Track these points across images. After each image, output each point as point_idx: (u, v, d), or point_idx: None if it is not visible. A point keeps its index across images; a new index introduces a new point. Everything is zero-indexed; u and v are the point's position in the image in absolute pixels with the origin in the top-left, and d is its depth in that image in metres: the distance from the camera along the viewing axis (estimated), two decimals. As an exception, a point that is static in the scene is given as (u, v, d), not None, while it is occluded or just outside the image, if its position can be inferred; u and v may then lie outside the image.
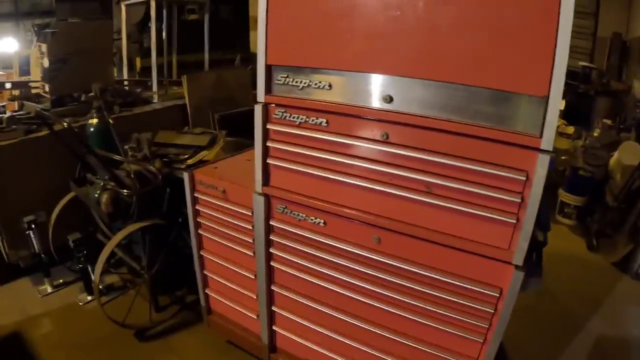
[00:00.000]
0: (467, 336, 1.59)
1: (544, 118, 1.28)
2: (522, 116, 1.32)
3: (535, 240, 2.38)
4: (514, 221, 1.40)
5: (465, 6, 1.29)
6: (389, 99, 1.48)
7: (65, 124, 2.31)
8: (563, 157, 4.41)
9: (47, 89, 3.19)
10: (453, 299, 1.56)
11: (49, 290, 3.04)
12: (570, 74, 6.64)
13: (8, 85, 3.62)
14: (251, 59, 4.22)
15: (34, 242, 2.91)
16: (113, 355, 2.54)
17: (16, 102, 3.33)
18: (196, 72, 3.71)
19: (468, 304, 1.55)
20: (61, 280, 3.11)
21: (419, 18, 1.36)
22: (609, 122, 5.46)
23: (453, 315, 1.58)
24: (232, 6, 5.76)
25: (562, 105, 6.14)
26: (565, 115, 6.02)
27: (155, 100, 3.60)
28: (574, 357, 2.66)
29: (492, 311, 1.52)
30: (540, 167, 1.33)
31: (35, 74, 4.38)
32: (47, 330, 2.75)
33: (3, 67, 5.18)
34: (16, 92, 3.99)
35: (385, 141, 1.51)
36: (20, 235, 2.93)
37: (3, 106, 3.43)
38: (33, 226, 2.86)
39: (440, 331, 1.63)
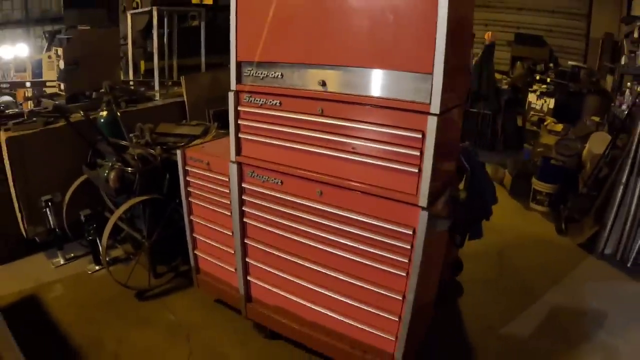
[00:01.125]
0: (394, 271, 2.14)
1: (432, 89, 1.85)
2: (416, 89, 1.89)
3: (485, 212, 2.97)
4: (417, 171, 1.96)
5: (370, 14, 1.90)
6: (323, 83, 2.09)
7: (82, 113, 2.97)
8: (539, 150, 4.93)
9: (62, 87, 3.90)
10: (379, 239, 2.12)
11: (62, 262, 3.70)
12: (560, 74, 7.18)
13: (28, 84, 4.36)
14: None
15: (50, 218, 3.57)
16: (117, 312, 3.15)
17: (33, 99, 4.05)
18: (193, 73, 4.40)
19: (391, 242, 2.10)
20: (72, 254, 3.77)
21: (340, 22, 1.97)
22: (597, 119, 5.93)
23: (381, 253, 2.14)
24: (229, 13, 6.43)
25: (551, 103, 6.72)
26: (555, 113, 6.54)
27: (157, 98, 4.30)
28: (525, 323, 3.14)
29: (409, 247, 2.07)
30: (431, 127, 1.88)
31: (48, 76, 5.14)
32: (59, 293, 3.39)
33: (16, 70, 5.97)
34: (29, 93, 4.75)
35: (321, 114, 2.12)
36: (37, 213, 3.60)
37: (20, 104, 4.16)
38: (50, 204, 3.53)
39: (374, 269, 2.18)
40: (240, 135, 2.41)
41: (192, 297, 3.26)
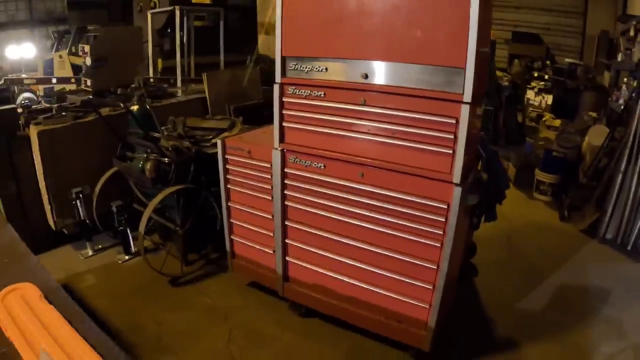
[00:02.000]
0: (429, 242, 2.51)
1: (464, 81, 2.24)
2: (450, 81, 2.28)
3: (499, 196, 3.37)
4: (451, 152, 2.35)
5: (409, 14, 2.28)
6: (366, 76, 2.46)
7: (122, 105, 3.29)
8: (541, 143, 5.39)
9: (88, 83, 4.19)
10: (416, 214, 2.50)
11: (90, 253, 3.99)
12: (557, 71, 7.72)
13: (54, 80, 4.64)
14: (260, 59, 5.29)
15: (80, 210, 3.86)
16: (153, 298, 3.46)
17: (55, 96, 4.33)
18: (214, 71, 4.75)
19: (426, 216, 2.48)
20: (100, 246, 4.06)
21: (382, 22, 2.35)
22: (593, 114, 6.44)
23: (417, 227, 2.52)
24: (238, 14, 6.88)
25: (549, 100, 7.22)
26: (553, 109, 7.05)
27: (180, 93, 4.63)
28: (536, 299, 3.57)
29: (444, 220, 2.45)
30: (464, 113, 2.27)
31: (60, 75, 5.42)
32: (91, 283, 3.67)
33: (25, 70, 6.23)
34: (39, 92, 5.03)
35: (364, 104, 2.49)
36: (66, 205, 3.88)
37: (39, 101, 4.42)
38: (80, 196, 3.82)
39: (411, 241, 2.56)
40: (284, 124, 2.77)
41: (225, 282, 3.60)
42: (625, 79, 5.56)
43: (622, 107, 4.98)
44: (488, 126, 6.28)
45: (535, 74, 7.61)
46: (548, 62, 8.35)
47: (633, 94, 4.71)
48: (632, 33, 5.45)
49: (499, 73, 7.41)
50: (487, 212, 3.40)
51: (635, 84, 4.94)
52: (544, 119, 6.73)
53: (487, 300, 3.51)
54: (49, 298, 1.82)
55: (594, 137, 4.94)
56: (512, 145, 6.10)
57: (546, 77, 7.46)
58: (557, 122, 6.44)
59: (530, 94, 7.37)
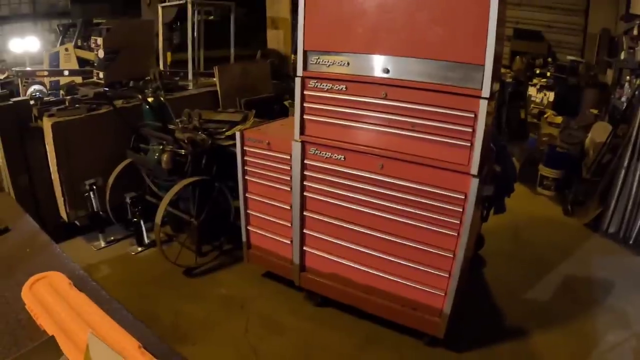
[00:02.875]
0: (446, 231, 2.66)
1: (483, 77, 2.38)
2: (469, 77, 2.42)
3: (508, 188, 3.52)
4: (469, 145, 2.49)
5: (430, 10, 2.42)
6: (387, 71, 2.60)
7: (140, 96, 3.39)
8: (544, 139, 5.57)
9: (101, 76, 4.29)
10: (434, 204, 2.65)
11: (103, 244, 4.09)
12: (559, 68, 7.92)
13: (66, 73, 4.73)
14: (269, 54, 5.41)
15: (94, 202, 3.96)
16: (168, 288, 3.57)
17: (64, 88, 4.41)
18: (225, 64, 4.87)
19: (445, 206, 2.62)
20: (112, 237, 4.17)
21: (404, 18, 2.48)
22: (595, 111, 6.64)
23: (435, 216, 2.66)
24: (246, 9, 6.99)
25: (551, 97, 7.40)
26: (554, 106, 7.24)
27: (191, 87, 4.73)
28: (542, 289, 3.74)
29: (461, 210, 2.59)
30: (482, 108, 2.42)
31: (65, 67, 5.49)
32: (106, 273, 3.78)
33: (31, 63, 6.30)
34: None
35: (385, 98, 2.63)
36: (79, 197, 3.98)
37: (49, 93, 4.50)
38: (94, 188, 3.92)
39: (428, 231, 2.70)
40: (305, 117, 2.90)
41: (239, 272, 3.72)
42: (627, 77, 5.76)
43: (625, 105, 5.17)
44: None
45: (537, 71, 7.80)
46: (550, 59, 8.54)
47: (636, 92, 4.89)
48: (635, 32, 5.64)
49: (502, 69, 7.58)
50: (497, 204, 3.56)
51: (638, 82, 5.13)
52: (545, 116, 6.92)
53: (496, 291, 3.67)
54: (78, 286, 1.86)
55: (597, 134, 5.12)
56: (515, 141, 6.28)
57: (548, 74, 7.65)
58: (559, 119, 6.62)
59: (532, 91, 7.56)
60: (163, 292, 3.54)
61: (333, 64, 2.75)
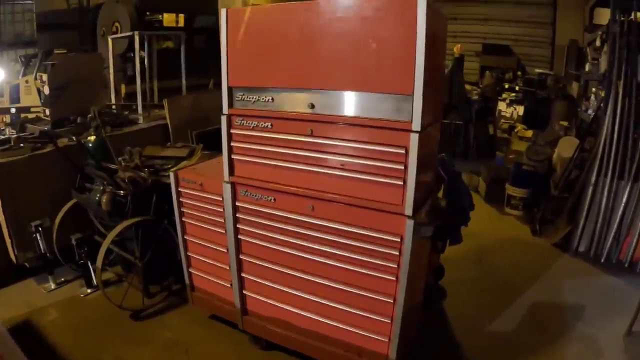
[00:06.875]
0: (384, 276, 2.34)
1: (412, 109, 2.08)
2: (398, 109, 2.12)
3: (463, 218, 3.20)
4: (402, 183, 2.18)
5: (354, 42, 2.12)
6: (312, 106, 2.30)
7: (74, 138, 3.09)
8: (511, 156, 5.25)
9: (47, 112, 3.99)
10: (369, 247, 2.33)
11: (53, 286, 3.76)
12: (527, 81, 7.62)
13: (13, 110, 4.43)
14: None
15: (41, 243, 3.64)
16: (114, 332, 3.25)
17: (16, 125, 4.13)
18: (176, 96, 4.56)
19: (380, 249, 2.31)
20: (63, 279, 3.84)
21: (326, 51, 2.19)
22: (565, 123, 6.33)
23: (371, 260, 2.34)
24: (205, 36, 6.71)
25: (521, 111, 7.11)
26: (524, 120, 6.94)
27: (141, 121, 4.43)
28: (507, 319, 3.39)
29: (397, 253, 2.28)
30: (413, 143, 2.11)
31: (26, 101, 5.20)
32: (54, 317, 3.46)
33: (-4, 95, 6.00)
34: (7, 119, 4.81)
35: (311, 135, 2.32)
36: (27, 238, 3.66)
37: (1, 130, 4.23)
38: (40, 229, 3.60)
39: (365, 275, 2.38)
40: (233, 157, 2.59)
41: (186, 314, 3.39)
42: (593, 89, 5.46)
43: (592, 118, 4.86)
44: (459, 140, 6.15)
45: (506, 85, 7.51)
46: (519, 73, 8.26)
47: (601, 104, 4.59)
48: (598, 43, 5.35)
49: (468, 87, 7.30)
50: (452, 235, 3.23)
51: (603, 94, 4.82)
52: (515, 130, 6.62)
53: (456, 323, 3.33)
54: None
55: (564, 149, 4.81)
56: (483, 159, 5.96)
57: (517, 88, 7.36)
58: (529, 133, 6.32)
59: (501, 106, 7.26)
60: (108, 336, 3.21)
61: (258, 100, 2.45)
